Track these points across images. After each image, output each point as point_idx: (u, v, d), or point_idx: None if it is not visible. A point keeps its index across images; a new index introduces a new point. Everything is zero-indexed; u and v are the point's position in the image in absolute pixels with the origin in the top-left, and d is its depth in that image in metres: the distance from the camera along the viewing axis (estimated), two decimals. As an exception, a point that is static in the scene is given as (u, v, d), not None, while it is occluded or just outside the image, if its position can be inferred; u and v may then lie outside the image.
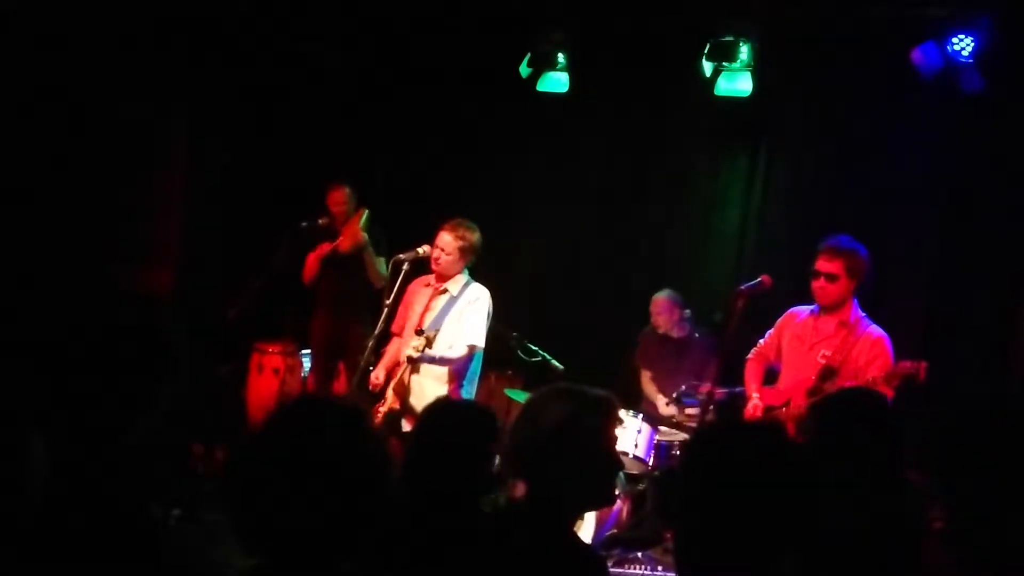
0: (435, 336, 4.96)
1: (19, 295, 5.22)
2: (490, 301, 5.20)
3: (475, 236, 5.19)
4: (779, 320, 4.89)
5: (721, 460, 1.77)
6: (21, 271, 5.69)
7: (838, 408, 2.88)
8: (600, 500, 2.58)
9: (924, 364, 4.09)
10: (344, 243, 6.37)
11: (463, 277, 5.23)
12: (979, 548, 1.81)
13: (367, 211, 6.44)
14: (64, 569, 1.73)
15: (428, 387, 4.99)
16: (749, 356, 4.97)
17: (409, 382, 4.99)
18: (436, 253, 5.12)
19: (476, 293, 5.18)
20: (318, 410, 1.82)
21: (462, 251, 5.15)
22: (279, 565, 1.69)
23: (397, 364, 5.20)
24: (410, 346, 4.85)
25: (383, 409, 5.03)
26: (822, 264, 4.52)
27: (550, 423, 2.36)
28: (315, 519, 1.68)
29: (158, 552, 1.81)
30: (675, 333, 6.52)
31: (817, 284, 4.54)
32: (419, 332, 4.93)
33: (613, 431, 2.48)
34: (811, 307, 4.71)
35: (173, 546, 1.97)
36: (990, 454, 1.87)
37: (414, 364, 4.94)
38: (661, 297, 6.52)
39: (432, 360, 4.93)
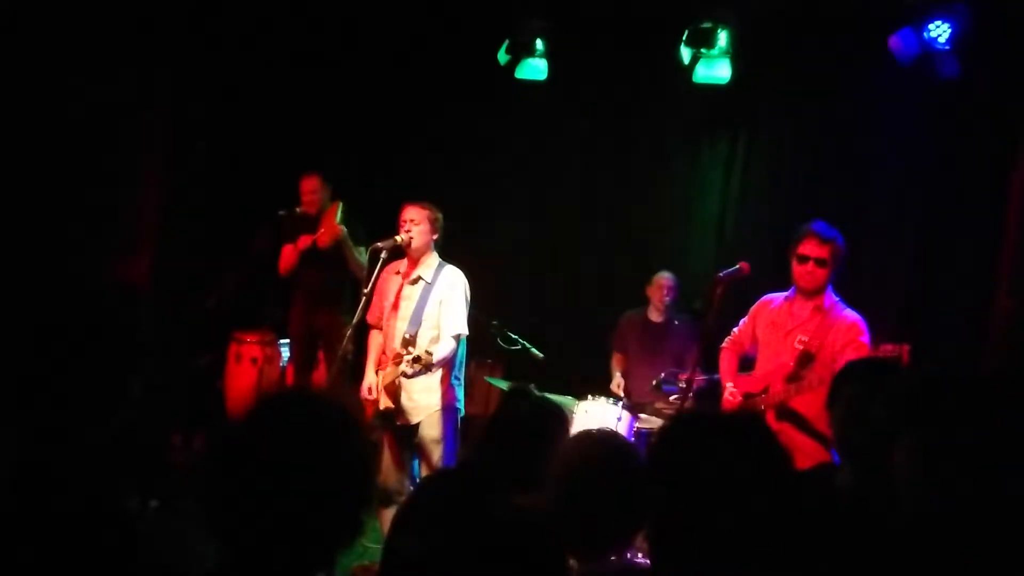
0: (415, 336, 4.94)
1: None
2: (466, 283, 5.17)
3: (439, 211, 5.19)
4: (753, 308, 4.89)
5: (694, 449, 1.77)
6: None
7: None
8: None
9: (907, 347, 4.09)
10: (323, 238, 6.34)
11: (434, 259, 5.18)
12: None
13: (342, 204, 6.41)
14: (37, 564, 1.70)
15: (419, 380, 4.96)
16: (723, 345, 4.98)
17: (399, 379, 4.96)
18: (407, 227, 5.08)
19: (451, 278, 5.13)
20: (302, 405, 1.79)
21: (431, 221, 5.12)
22: (252, 562, 1.66)
23: (383, 356, 5.18)
24: (404, 361, 4.77)
25: (380, 407, 5.02)
26: (812, 249, 4.50)
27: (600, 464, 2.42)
28: (294, 516, 1.64)
29: (134, 546, 1.79)
30: (657, 317, 6.55)
31: (805, 268, 4.52)
32: (406, 345, 4.87)
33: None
34: (785, 293, 4.72)
35: (151, 537, 1.94)
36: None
37: (411, 378, 4.90)
38: (667, 275, 6.53)
39: (429, 368, 4.88)
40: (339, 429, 1.72)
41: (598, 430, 2.70)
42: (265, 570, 1.64)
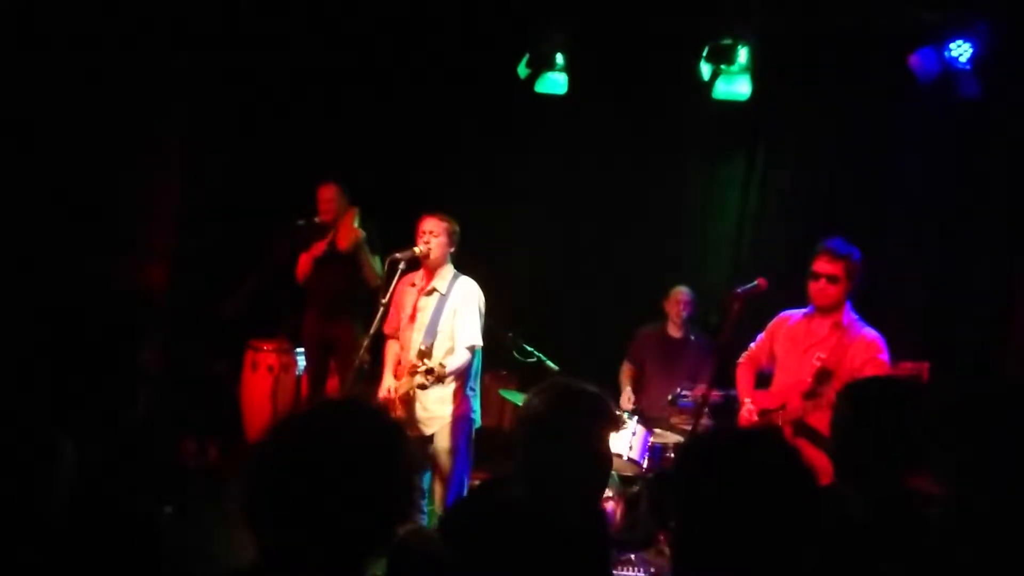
0: (431, 347, 4.94)
1: (11, 291, 5.20)
2: (480, 294, 5.17)
3: (456, 224, 5.21)
4: (770, 324, 4.89)
5: (719, 465, 1.77)
6: (15, 266, 5.67)
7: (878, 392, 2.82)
8: (589, 498, 2.56)
9: (927, 365, 4.06)
10: (342, 242, 6.36)
11: (449, 271, 5.19)
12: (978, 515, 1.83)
13: (358, 209, 6.44)
14: (67, 563, 1.72)
15: (434, 390, 4.96)
16: (740, 360, 4.97)
17: (414, 390, 4.96)
18: (426, 238, 5.09)
19: (465, 289, 5.14)
20: (357, 419, 1.80)
21: (449, 233, 5.14)
22: (295, 559, 1.67)
23: (399, 365, 5.19)
24: (419, 373, 4.73)
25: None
26: (823, 266, 4.51)
27: (533, 415, 2.39)
28: (329, 528, 1.66)
29: (157, 548, 1.80)
30: (675, 332, 6.54)
31: (817, 286, 4.53)
32: (422, 356, 4.87)
33: (602, 430, 2.47)
34: (804, 310, 4.71)
35: (166, 542, 1.95)
36: (993, 427, 1.91)
37: (426, 390, 4.89)
38: (684, 290, 6.54)
39: (442, 381, 4.87)
40: (389, 443, 1.74)
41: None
42: (308, 568, 1.65)
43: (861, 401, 2.73)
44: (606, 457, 2.49)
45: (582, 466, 2.38)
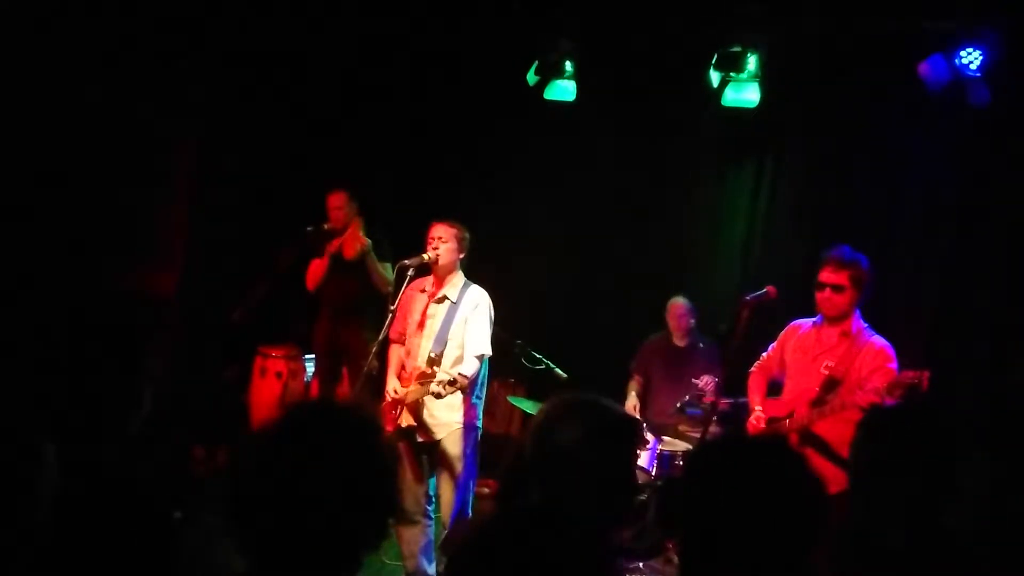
0: (441, 355, 4.94)
1: (21, 298, 5.22)
2: (490, 303, 5.17)
3: (466, 230, 5.20)
4: (782, 332, 4.89)
5: (727, 474, 1.77)
6: (24, 274, 5.69)
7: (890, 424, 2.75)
8: (610, 520, 2.54)
9: (927, 373, 4.05)
10: (349, 250, 6.38)
11: (459, 278, 5.18)
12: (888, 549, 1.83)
13: (362, 219, 6.46)
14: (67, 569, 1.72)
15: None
16: (752, 368, 4.97)
17: (421, 398, 4.96)
18: (434, 244, 5.10)
19: (476, 298, 5.14)
20: (329, 415, 1.81)
21: (459, 239, 5.13)
22: (279, 564, 1.67)
23: (402, 369, 5.19)
24: (436, 382, 4.72)
25: (401, 424, 5.02)
26: (827, 275, 4.50)
27: (566, 440, 2.26)
28: (318, 526, 1.66)
29: (170, 553, 1.81)
30: (680, 342, 6.53)
31: (823, 295, 4.52)
32: (432, 364, 4.86)
33: (632, 454, 2.42)
34: (814, 319, 4.70)
35: (177, 548, 1.96)
36: (898, 457, 1.91)
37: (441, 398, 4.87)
38: (680, 302, 6.53)
39: (463, 390, 4.86)
40: (362, 434, 1.74)
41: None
42: (292, 571, 1.66)
43: (881, 432, 2.66)
44: (634, 481, 2.45)
45: (610, 492, 2.31)
